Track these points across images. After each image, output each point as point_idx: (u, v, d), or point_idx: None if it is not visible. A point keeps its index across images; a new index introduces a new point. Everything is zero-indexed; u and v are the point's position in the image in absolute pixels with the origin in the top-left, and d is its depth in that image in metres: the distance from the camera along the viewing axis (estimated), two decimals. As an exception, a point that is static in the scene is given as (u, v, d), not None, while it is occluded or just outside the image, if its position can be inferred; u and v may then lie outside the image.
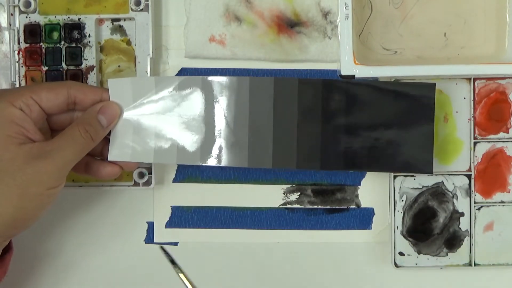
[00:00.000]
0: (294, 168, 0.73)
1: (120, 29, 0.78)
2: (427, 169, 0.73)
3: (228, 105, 0.73)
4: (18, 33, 0.76)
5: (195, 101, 0.73)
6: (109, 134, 0.71)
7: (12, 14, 0.76)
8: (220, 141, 0.73)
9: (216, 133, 0.73)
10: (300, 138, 0.73)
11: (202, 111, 0.73)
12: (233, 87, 0.72)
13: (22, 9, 0.76)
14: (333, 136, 0.73)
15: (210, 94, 0.72)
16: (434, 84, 0.72)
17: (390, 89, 0.72)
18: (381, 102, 0.72)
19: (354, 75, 0.74)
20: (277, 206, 0.80)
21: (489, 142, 0.78)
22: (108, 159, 0.72)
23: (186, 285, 0.73)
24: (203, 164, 0.73)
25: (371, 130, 0.73)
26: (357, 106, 0.73)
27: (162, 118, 0.72)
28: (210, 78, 0.72)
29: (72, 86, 0.69)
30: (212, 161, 0.73)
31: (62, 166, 0.66)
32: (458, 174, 0.78)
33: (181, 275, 0.72)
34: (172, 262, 0.73)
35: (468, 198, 0.78)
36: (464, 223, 0.78)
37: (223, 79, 0.72)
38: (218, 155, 0.73)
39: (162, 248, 0.74)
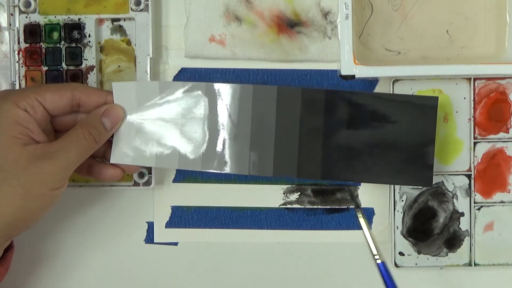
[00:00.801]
0: (294, 177, 0.73)
1: (120, 29, 0.78)
2: (427, 183, 0.73)
3: (230, 112, 0.72)
4: (18, 33, 0.76)
5: (198, 107, 0.72)
6: (112, 136, 0.71)
7: (12, 14, 0.76)
8: (221, 148, 0.73)
9: (217, 140, 0.73)
10: (302, 147, 0.73)
11: (205, 117, 0.73)
12: (236, 94, 0.72)
13: (22, 9, 0.76)
14: (335, 146, 0.73)
15: (213, 101, 0.72)
16: (437, 97, 0.72)
17: (392, 101, 0.72)
18: (383, 114, 0.72)
19: (354, 75, 0.74)
20: (277, 206, 0.80)
21: (489, 142, 0.78)
22: (111, 162, 0.72)
23: (367, 239, 0.73)
24: (204, 170, 0.73)
25: (372, 142, 0.73)
26: (359, 117, 0.72)
27: (165, 123, 0.72)
28: (214, 85, 0.72)
29: (76, 88, 0.69)
30: (213, 167, 0.73)
31: (65, 167, 0.66)
32: (458, 174, 0.78)
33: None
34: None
35: (468, 198, 0.78)
36: (464, 223, 0.78)
37: (226, 86, 0.72)
38: (219, 162, 0.73)
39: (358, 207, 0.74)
